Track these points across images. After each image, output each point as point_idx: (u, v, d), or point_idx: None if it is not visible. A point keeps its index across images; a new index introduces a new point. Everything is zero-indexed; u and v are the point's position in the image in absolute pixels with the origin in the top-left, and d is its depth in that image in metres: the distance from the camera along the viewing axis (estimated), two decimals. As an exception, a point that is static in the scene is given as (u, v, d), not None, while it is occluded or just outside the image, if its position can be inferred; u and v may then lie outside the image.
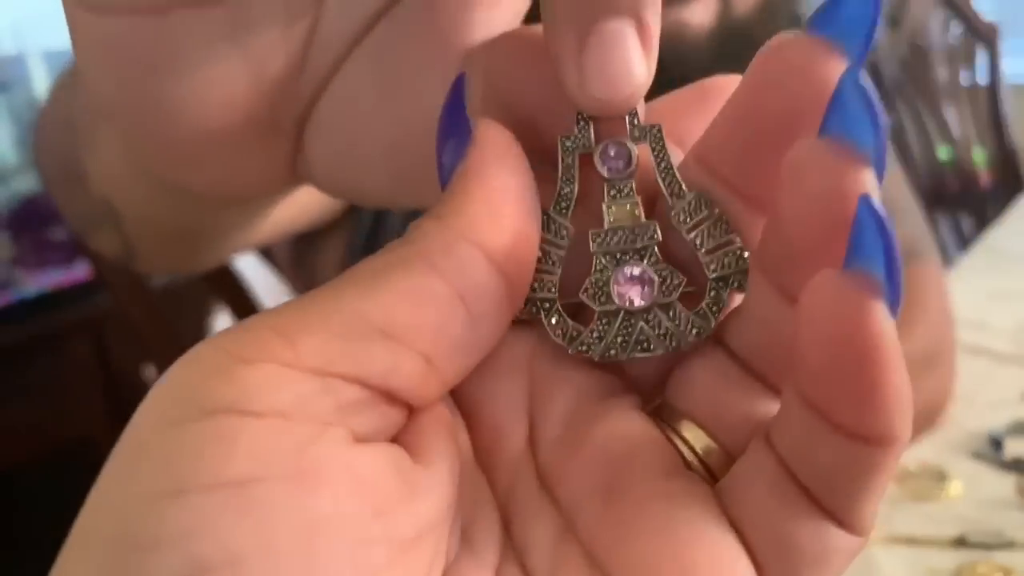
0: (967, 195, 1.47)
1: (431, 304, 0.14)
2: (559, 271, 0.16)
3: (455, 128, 0.16)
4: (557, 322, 0.16)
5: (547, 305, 0.16)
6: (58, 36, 1.21)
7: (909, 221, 0.67)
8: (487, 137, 0.16)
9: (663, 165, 0.16)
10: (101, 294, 1.15)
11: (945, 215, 1.44)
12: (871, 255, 0.13)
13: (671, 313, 0.16)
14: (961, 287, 0.87)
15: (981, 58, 1.54)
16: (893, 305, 0.13)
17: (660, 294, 0.16)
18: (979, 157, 1.52)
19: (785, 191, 0.14)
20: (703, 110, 0.17)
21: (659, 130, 0.16)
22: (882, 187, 0.49)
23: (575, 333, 0.16)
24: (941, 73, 1.43)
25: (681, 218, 0.16)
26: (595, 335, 0.16)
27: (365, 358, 0.14)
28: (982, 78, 1.54)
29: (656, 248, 0.16)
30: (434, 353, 0.14)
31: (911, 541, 0.50)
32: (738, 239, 0.16)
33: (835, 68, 0.14)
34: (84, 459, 1.11)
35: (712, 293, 0.16)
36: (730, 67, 0.59)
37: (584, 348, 0.16)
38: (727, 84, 0.17)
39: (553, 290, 0.16)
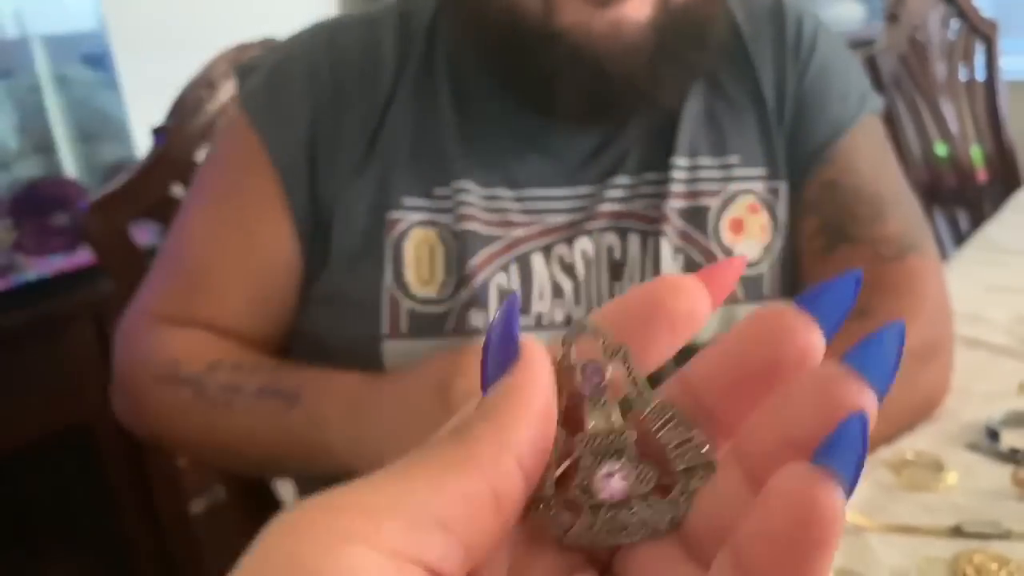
0: (964, 191, 1.48)
1: (478, 506, 0.17)
2: (554, 471, 0.19)
3: (504, 342, 0.19)
4: (554, 515, 0.19)
5: (549, 501, 0.19)
6: (59, 21, 1.21)
7: (906, 213, 0.67)
8: (532, 358, 0.18)
9: (632, 377, 0.19)
10: (102, 279, 1.15)
11: (942, 211, 1.45)
12: (845, 463, 0.16)
13: (647, 503, 0.19)
14: (958, 281, 0.88)
15: (979, 55, 1.54)
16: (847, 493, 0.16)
17: (637, 487, 0.19)
18: (976, 153, 1.52)
19: (765, 505, 0.16)
20: (654, 321, 0.20)
21: (626, 351, 0.19)
22: (880, 178, 0.49)
23: (568, 525, 0.19)
24: (939, 69, 1.44)
25: (651, 420, 0.19)
26: (584, 526, 0.19)
27: (428, 545, 0.17)
28: (980, 75, 1.54)
29: (632, 447, 0.19)
30: (473, 543, 0.17)
31: (908, 530, 0.51)
32: (700, 435, 0.19)
33: (814, 339, 0.17)
34: (83, 445, 1.11)
35: (681, 483, 0.19)
36: (669, 61, 0.56)
37: (577, 538, 0.19)
38: (674, 287, 0.19)
39: (551, 487, 0.19)
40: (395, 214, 0.62)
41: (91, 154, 1.24)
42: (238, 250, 0.64)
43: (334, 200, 0.63)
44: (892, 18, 1.32)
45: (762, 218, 0.65)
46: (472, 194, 0.62)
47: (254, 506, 0.81)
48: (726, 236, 0.64)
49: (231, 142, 0.66)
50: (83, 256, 1.17)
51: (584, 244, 0.63)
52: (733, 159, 0.65)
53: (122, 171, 0.81)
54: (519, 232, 0.62)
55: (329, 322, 0.64)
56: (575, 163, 0.64)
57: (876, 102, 0.71)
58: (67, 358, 1.14)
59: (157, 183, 0.80)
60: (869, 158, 0.68)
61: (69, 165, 1.21)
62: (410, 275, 0.62)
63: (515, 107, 0.63)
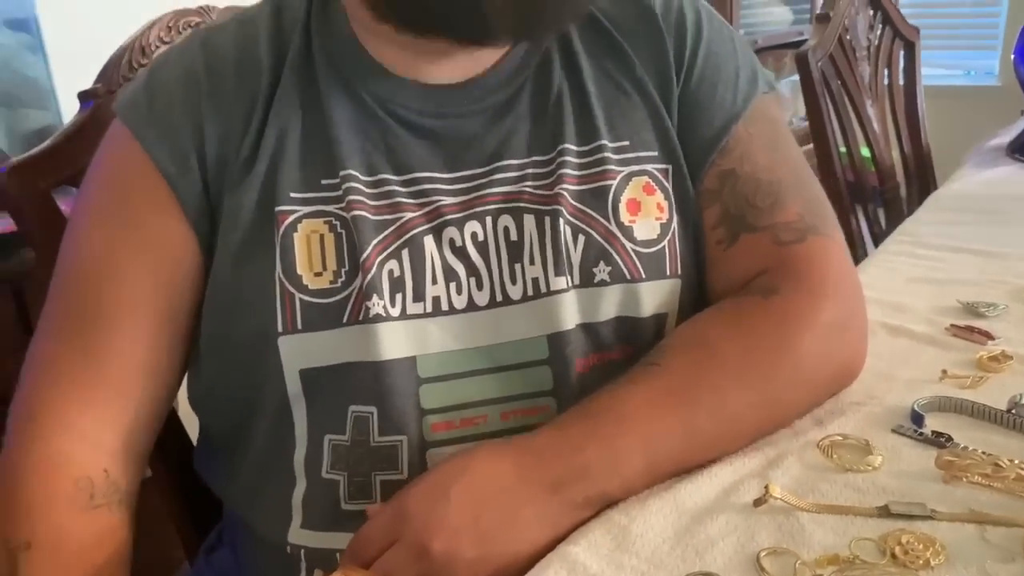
0: (884, 191, 1.54)
1: None
2: None
3: None
4: None
5: None
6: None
7: (805, 196, 0.68)
8: None
9: None
10: (22, 249, 1.10)
11: (864, 209, 1.50)
12: None
13: None
14: (881, 274, 0.91)
15: (901, 60, 1.60)
16: None
17: None
18: (896, 154, 1.58)
19: None
20: None
21: None
22: (778, 163, 0.64)
23: None
24: (864, 71, 1.49)
25: None
26: None
27: None
28: (901, 78, 1.60)
29: None
30: None
31: (838, 510, 0.52)
32: None
33: None
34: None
35: None
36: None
37: None
38: None
39: None
40: (283, 208, 0.62)
41: (14, 120, 1.19)
42: (136, 259, 0.62)
43: (221, 202, 0.63)
44: (822, 18, 1.36)
45: (657, 197, 0.66)
46: (359, 181, 0.62)
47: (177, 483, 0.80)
48: (624, 215, 0.64)
49: (114, 155, 0.65)
50: (4, 224, 1.12)
51: (475, 226, 0.63)
52: (624, 143, 0.66)
53: (45, 137, 0.78)
54: (408, 215, 0.62)
55: (223, 320, 0.63)
56: (459, 147, 0.64)
57: (766, 80, 0.71)
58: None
59: (82, 149, 0.77)
60: (765, 143, 0.69)
61: (-17, 130, 1.16)
62: (302, 268, 0.61)
63: (402, 93, 0.63)
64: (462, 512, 0.52)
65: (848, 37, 1.44)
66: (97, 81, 0.80)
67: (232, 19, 0.68)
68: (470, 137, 0.64)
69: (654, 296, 0.64)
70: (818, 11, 1.46)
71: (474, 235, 0.63)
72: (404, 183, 0.63)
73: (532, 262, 0.62)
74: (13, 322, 1.14)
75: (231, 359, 0.63)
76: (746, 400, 0.59)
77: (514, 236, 0.63)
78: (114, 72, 0.80)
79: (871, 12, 1.50)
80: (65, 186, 0.78)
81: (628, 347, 0.64)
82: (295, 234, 0.61)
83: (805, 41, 1.36)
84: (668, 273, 0.65)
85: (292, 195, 0.62)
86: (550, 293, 0.62)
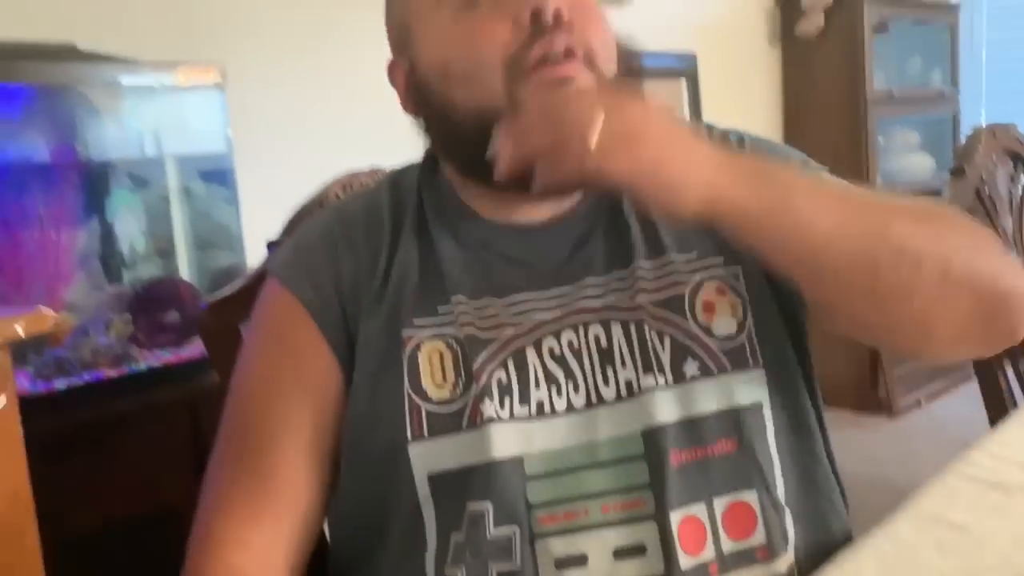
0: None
1: None
2: None
3: None
4: None
5: None
6: (191, 142, 1.37)
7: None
8: None
9: None
10: (201, 374, 1.25)
11: (1014, 363, 1.45)
12: None
13: None
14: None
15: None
16: None
17: None
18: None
19: None
20: None
21: None
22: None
23: None
24: (1007, 223, 1.47)
25: None
26: None
27: None
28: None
29: None
30: None
31: None
32: None
33: None
34: (166, 529, 1.19)
35: None
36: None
37: None
38: None
39: None
40: (408, 332, 0.72)
41: (205, 259, 1.37)
42: (293, 388, 0.73)
43: (358, 330, 0.73)
44: (957, 172, 1.37)
45: (730, 297, 0.73)
46: (467, 306, 0.72)
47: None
48: (702, 316, 0.72)
49: (269, 302, 0.77)
50: (187, 351, 1.28)
51: (569, 336, 0.71)
52: (691, 255, 0.74)
53: (230, 276, 0.92)
54: (510, 332, 0.71)
55: (359, 432, 0.72)
56: (549, 272, 0.74)
57: (819, 168, 0.79)
58: (162, 444, 1.23)
59: (268, 289, 0.90)
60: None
61: (184, 268, 1.34)
62: (426, 381, 0.71)
63: (496, 233, 0.75)
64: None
65: (987, 190, 1.44)
66: (283, 231, 0.94)
67: (359, 194, 0.83)
68: (558, 264, 0.74)
69: (746, 386, 0.71)
70: (956, 163, 1.48)
71: (570, 343, 0.71)
72: (505, 304, 0.73)
73: (623, 365, 0.70)
74: (187, 439, 1.28)
75: (367, 469, 0.72)
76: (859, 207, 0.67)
77: (604, 343, 0.71)
78: (298, 223, 0.93)
79: (1011, 164, 1.51)
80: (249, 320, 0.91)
81: (730, 440, 0.70)
82: (419, 353, 0.71)
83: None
84: (751, 364, 0.71)
85: (415, 320, 0.72)
86: (642, 392, 0.69)
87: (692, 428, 0.69)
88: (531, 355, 0.71)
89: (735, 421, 0.70)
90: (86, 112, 1.21)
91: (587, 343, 0.71)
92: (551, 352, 0.71)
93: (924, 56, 3.25)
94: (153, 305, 1.26)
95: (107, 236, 1.27)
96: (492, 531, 0.68)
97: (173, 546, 1.26)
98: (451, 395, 0.70)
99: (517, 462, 0.68)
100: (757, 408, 0.71)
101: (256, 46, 1.72)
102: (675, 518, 0.67)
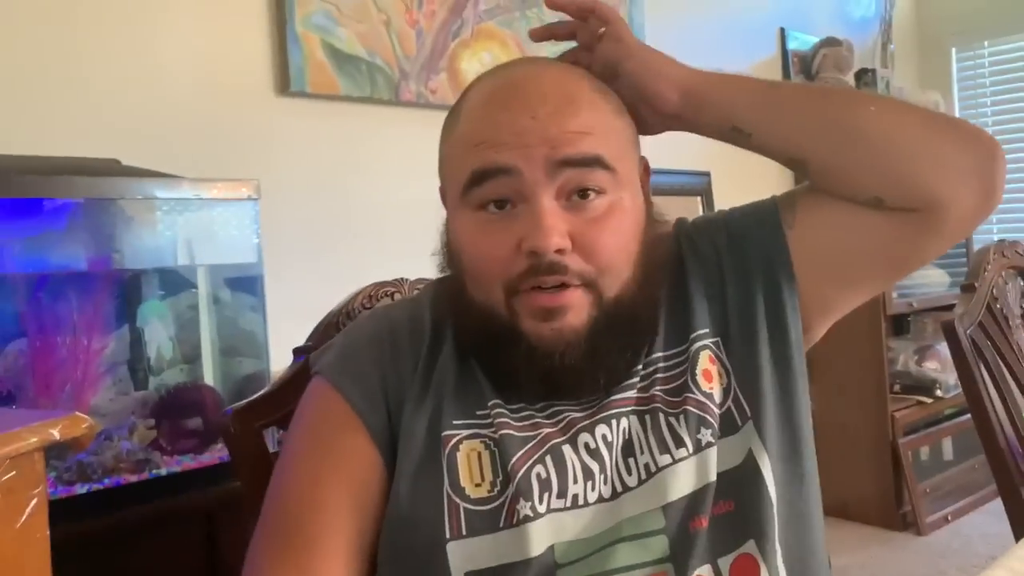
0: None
1: None
2: None
3: None
4: None
5: None
6: (220, 253, 1.42)
7: None
8: None
9: None
10: (219, 480, 1.26)
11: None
12: None
13: None
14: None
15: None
16: None
17: None
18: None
19: None
20: None
21: None
22: None
23: None
24: (1021, 338, 1.48)
25: None
26: None
27: None
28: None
29: None
30: None
31: None
32: None
33: None
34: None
35: None
36: (602, 351, 0.78)
37: None
38: None
39: None
40: (447, 432, 0.75)
41: (230, 366, 1.40)
42: (337, 487, 0.74)
43: (399, 432, 0.77)
44: (967, 288, 1.40)
45: (717, 365, 0.79)
46: (504, 408, 0.76)
47: None
48: (703, 385, 0.77)
49: (316, 403, 0.79)
50: (208, 457, 1.29)
51: (603, 430, 0.75)
52: (691, 333, 0.80)
53: (254, 382, 0.94)
54: (547, 431, 0.75)
55: (400, 530, 0.74)
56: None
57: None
58: (179, 550, 1.22)
59: (292, 396, 0.92)
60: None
61: (209, 374, 1.37)
62: (464, 480, 0.73)
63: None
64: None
65: (999, 306, 1.46)
66: (309, 339, 0.97)
67: (403, 302, 0.89)
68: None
69: (740, 447, 0.76)
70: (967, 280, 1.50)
71: (603, 436, 0.75)
72: (539, 408, 0.77)
73: (642, 452, 0.75)
74: (207, 550, 1.27)
75: (406, 567, 0.73)
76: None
77: (627, 435, 0.76)
78: (324, 332, 0.96)
79: (1021, 282, 1.53)
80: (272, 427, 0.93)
81: (728, 502, 0.74)
82: (458, 453, 0.74)
83: (955, 308, 1.39)
84: (740, 424, 0.76)
85: (455, 422, 0.76)
86: (659, 470, 0.74)
87: (703, 495, 0.73)
88: (568, 451, 0.74)
89: (735, 479, 0.74)
90: (125, 224, 1.27)
91: (618, 435, 0.75)
92: (587, 447, 0.74)
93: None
94: (176, 410, 1.28)
95: (136, 343, 1.30)
96: None
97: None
98: (489, 493, 0.73)
99: (549, 552, 0.71)
100: (751, 457, 0.75)
101: (290, 161, 1.80)
102: None
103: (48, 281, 1.20)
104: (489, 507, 0.72)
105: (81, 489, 1.20)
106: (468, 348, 0.78)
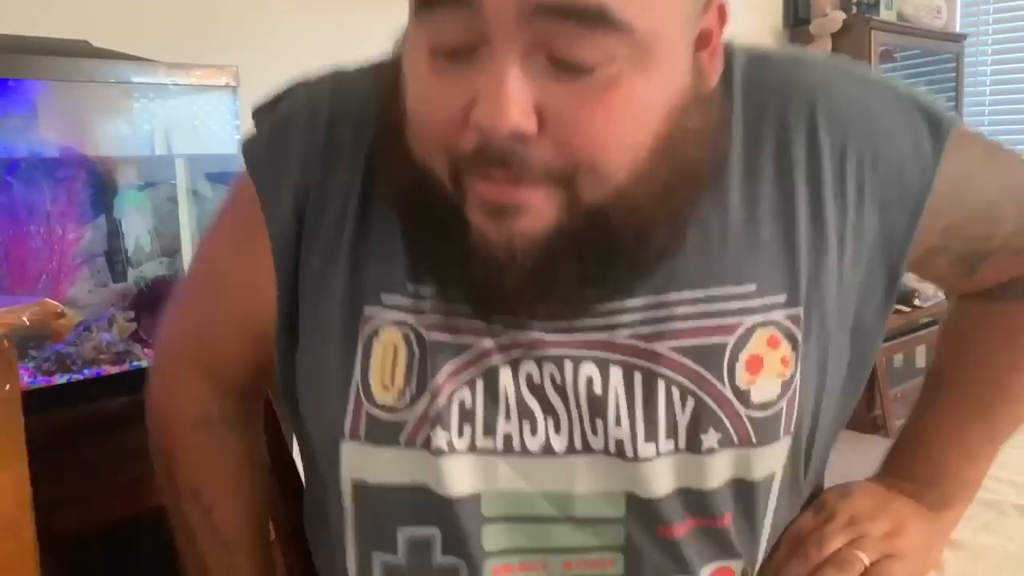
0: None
1: None
2: None
3: None
4: None
5: None
6: (199, 143, 1.38)
7: (1018, 192, 0.65)
8: None
9: None
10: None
11: None
12: None
13: None
14: None
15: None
16: None
17: None
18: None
19: None
20: None
21: None
22: (986, 189, 0.64)
23: None
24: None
25: None
26: None
27: None
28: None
29: None
30: None
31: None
32: None
33: None
34: (163, 527, 1.19)
35: None
36: (562, 273, 0.54)
37: None
38: None
39: None
40: (369, 311, 0.59)
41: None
42: (236, 262, 0.69)
43: (306, 268, 0.61)
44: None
45: (783, 351, 0.58)
46: (441, 301, 0.58)
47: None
48: (742, 377, 0.57)
49: (238, 191, 0.69)
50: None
51: (552, 369, 0.57)
52: (750, 287, 0.57)
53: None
54: (485, 344, 0.58)
55: (307, 408, 0.65)
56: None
57: (949, 121, 0.60)
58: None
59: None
60: (969, 186, 0.63)
61: (188, 266, 1.34)
62: (374, 378, 0.59)
63: None
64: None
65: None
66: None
67: (367, 66, 0.65)
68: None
69: (766, 460, 0.59)
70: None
71: (553, 376, 0.57)
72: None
73: (618, 423, 0.57)
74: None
75: (312, 444, 0.66)
76: None
77: (598, 389, 0.57)
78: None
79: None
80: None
81: (727, 515, 0.60)
82: (376, 342, 0.59)
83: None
84: (781, 434, 0.59)
85: (382, 295, 0.59)
86: (638, 459, 0.57)
87: (687, 501, 0.59)
88: (506, 377, 0.57)
89: (739, 494, 0.60)
90: (97, 109, 1.22)
91: (575, 382, 0.57)
92: (529, 380, 0.57)
93: (929, 86, 3.27)
94: (156, 303, 1.27)
95: (113, 234, 1.27)
96: (439, 560, 0.60)
97: (169, 544, 1.26)
98: (395, 403, 0.58)
99: (472, 500, 0.58)
100: (769, 480, 0.60)
101: (269, 47, 1.73)
102: None
103: (18, 167, 1.16)
104: (391, 418, 0.58)
105: (60, 379, 1.19)
106: (400, 212, 0.58)
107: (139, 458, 1.23)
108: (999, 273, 0.68)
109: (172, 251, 1.30)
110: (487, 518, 0.59)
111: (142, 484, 1.22)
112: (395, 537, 0.60)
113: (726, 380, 0.57)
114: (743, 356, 0.57)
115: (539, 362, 0.57)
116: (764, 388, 0.58)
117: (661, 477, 0.57)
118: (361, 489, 0.61)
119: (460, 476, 0.58)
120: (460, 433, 0.57)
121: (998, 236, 0.65)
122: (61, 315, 0.64)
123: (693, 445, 0.57)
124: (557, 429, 0.58)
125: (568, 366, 0.57)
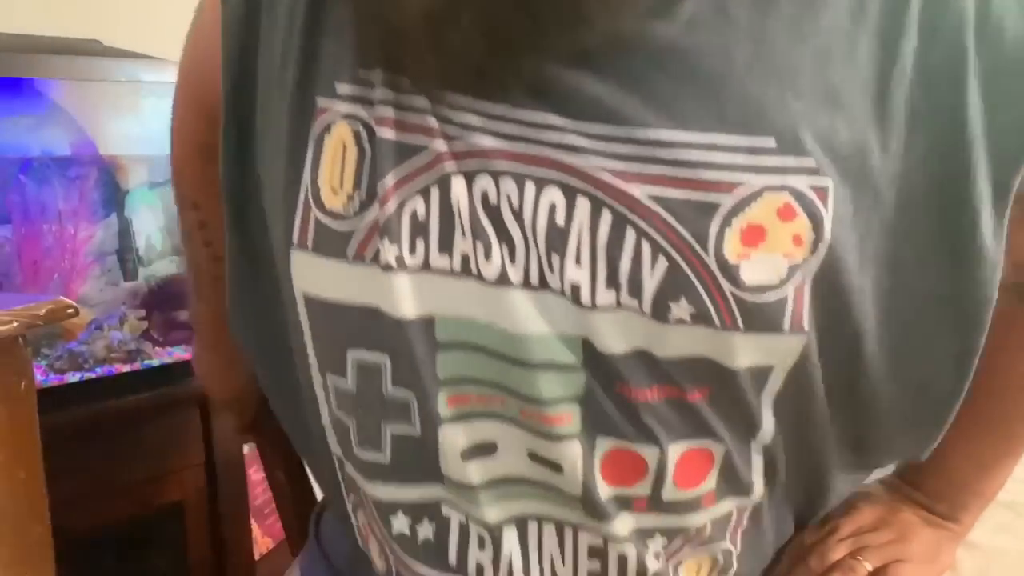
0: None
1: None
2: None
3: None
4: None
5: None
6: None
7: None
8: None
9: None
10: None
11: None
12: None
13: None
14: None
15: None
16: None
17: None
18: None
19: None
20: None
21: None
22: None
23: None
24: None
25: None
26: None
27: None
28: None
29: None
30: None
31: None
32: None
33: None
34: (174, 524, 1.19)
35: None
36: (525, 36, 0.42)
37: None
38: None
39: None
40: (323, 102, 0.52)
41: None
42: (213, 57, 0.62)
43: (267, 67, 0.55)
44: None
45: (797, 226, 0.46)
46: (391, 91, 0.50)
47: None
48: (731, 248, 0.46)
49: None
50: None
51: (511, 188, 0.48)
52: (767, 141, 0.45)
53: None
54: (439, 147, 0.49)
55: (267, 207, 0.59)
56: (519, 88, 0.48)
57: None
58: (172, 440, 1.23)
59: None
60: None
61: (199, 267, 1.35)
62: (324, 180, 0.52)
63: None
64: None
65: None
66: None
67: None
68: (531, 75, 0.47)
69: (753, 351, 0.48)
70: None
71: (509, 199, 0.48)
72: (433, 102, 0.49)
73: (578, 262, 0.47)
74: (201, 439, 1.28)
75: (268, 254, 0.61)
76: None
77: (560, 220, 0.47)
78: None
79: None
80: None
81: (708, 388, 0.50)
82: (327, 139, 0.52)
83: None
84: (786, 328, 0.47)
85: (337, 87, 0.51)
86: (594, 308, 0.48)
87: (649, 365, 0.50)
88: (459, 189, 0.49)
89: (713, 376, 0.50)
90: (109, 108, 1.22)
91: (535, 209, 0.47)
92: (484, 198, 0.48)
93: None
94: (167, 302, 1.27)
95: (124, 232, 1.28)
96: (390, 389, 0.54)
97: (180, 541, 1.27)
98: (343, 209, 0.51)
99: (426, 323, 0.51)
100: (763, 372, 0.49)
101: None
102: (603, 445, 0.51)
103: (30, 166, 1.16)
104: (340, 227, 0.52)
105: (73, 378, 1.19)
106: None
107: (150, 457, 1.24)
108: None
109: (182, 250, 1.31)
110: (441, 344, 0.51)
111: (153, 483, 1.23)
112: (345, 360, 0.54)
113: (710, 248, 0.46)
114: (738, 223, 0.45)
115: (496, 178, 0.48)
116: (762, 267, 0.46)
117: (617, 333, 0.48)
118: (312, 304, 0.55)
119: (412, 296, 0.50)
120: (412, 249, 0.50)
121: None
122: (75, 313, 0.65)
123: (659, 311, 0.47)
124: (512, 258, 0.49)
125: (530, 188, 0.47)
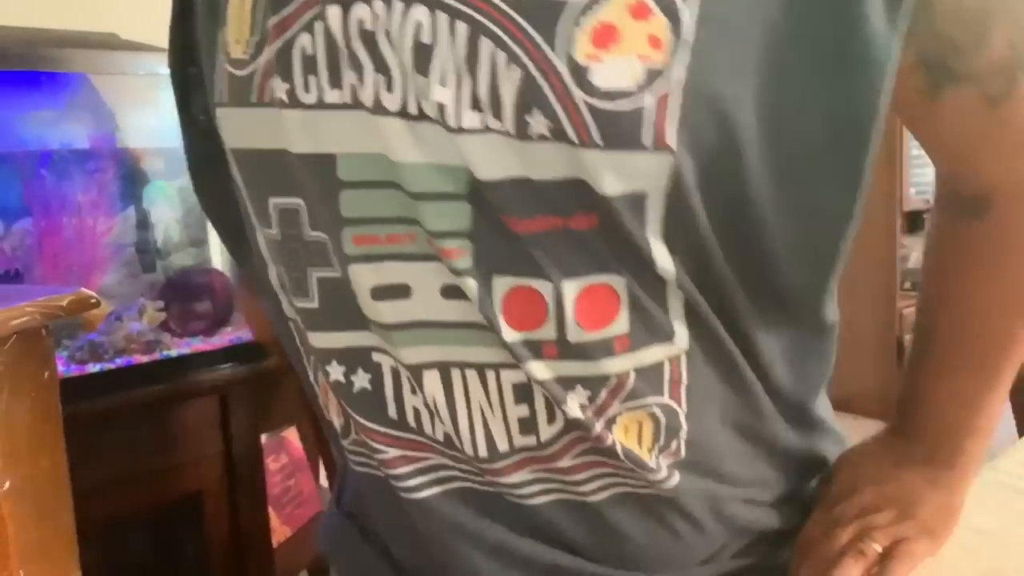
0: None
1: None
2: None
3: None
4: None
5: None
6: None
7: (1018, 13, 0.50)
8: None
9: None
10: (233, 362, 1.27)
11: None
12: None
13: None
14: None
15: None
16: None
17: None
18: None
19: None
20: None
21: None
22: None
23: None
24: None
25: None
26: None
27: None
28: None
29: None
30: None
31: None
32: None
33: None
34: (193, 513, 1.21)
35: None
36: None
37: None
38: None
39: None
40: None
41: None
42: None
43: None
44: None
45: (652, 26, 0.43)
46: None
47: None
48: (581, 47, 0.43)
49: None
50: (218, 340, 1.29)
51: (381, 8, 0.46)
52: None
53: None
54: None
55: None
56: None
57: None
58: (191, 429, 1.25)
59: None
60: None
61: (216, 256, 1.36)
62: (231, 32, 0.52)
63: None
64: None
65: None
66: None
67: None
68: None
69: (619, 172, 0.45)
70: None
71: (380, 21, 0.47)
72: None
73: (443, 82, 0.46)
74: (218, 429, 1.30)
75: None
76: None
77: (426, 38, 0.46)
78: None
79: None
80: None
81: (588, 218, 0.48)
82: None
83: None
84: (647, 143, 0.44)
85: None
86: (461, 131, 0.46)
87: (528, 193, 0.47)
88: (336, 19, 0.47)
89: (590, 203, 0.47)
90: (127, 101, 1.24)
91: (401, 29, 0.46)
92: (360, 25, 0.47)
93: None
94: (186, 293, 1.28)
95: (142, 224, 1.29)
96: (309, 233, 0.53)
97: (200, 529, 1.28)
98: (244, 55, 0.51)
99: (327, 160, 0.50)
100: (638, 199, 0.47)
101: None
102: (501, 285, 0.49)
103: (50, 159, 1.18)
104: (242, 73, 0.52)
105: (93, 368, 1.21)
106: None
107: (169, 447, 1.25)
108: (962, 123, 0.53)
109: (200, 241, 1.32)
110: (345, 182, 0.50)
111: (172, 472, 1.25)
112: (268, 209, 0.55)
113: (559, 49, 0.43)
114: (587, 21, 0.43)
115: (369, 3, 0.47)
116: (615, 71, 0.43)
117: (490, 157, 0.46)
118: (238, 157, 0.56)
119: (307, 133, 0.50)
120: (307, 87, 0.49)
121: (977, 60, 0.50)
122: (97, 303, 0.66)
123: (520, 128, 0.45)
124: (389, 87, 0.47)
125: (398, 7, 0.46)
